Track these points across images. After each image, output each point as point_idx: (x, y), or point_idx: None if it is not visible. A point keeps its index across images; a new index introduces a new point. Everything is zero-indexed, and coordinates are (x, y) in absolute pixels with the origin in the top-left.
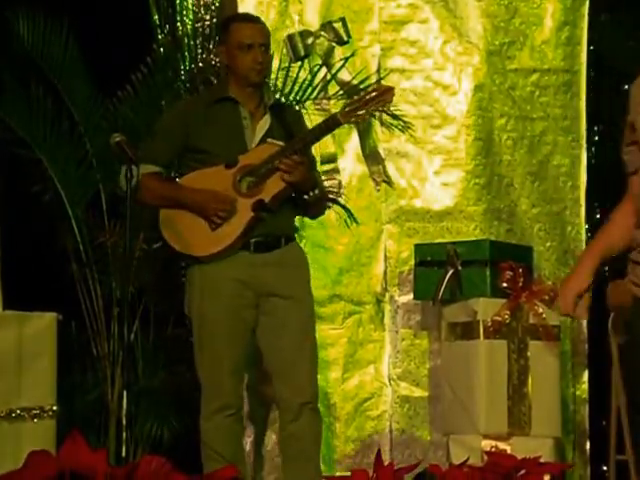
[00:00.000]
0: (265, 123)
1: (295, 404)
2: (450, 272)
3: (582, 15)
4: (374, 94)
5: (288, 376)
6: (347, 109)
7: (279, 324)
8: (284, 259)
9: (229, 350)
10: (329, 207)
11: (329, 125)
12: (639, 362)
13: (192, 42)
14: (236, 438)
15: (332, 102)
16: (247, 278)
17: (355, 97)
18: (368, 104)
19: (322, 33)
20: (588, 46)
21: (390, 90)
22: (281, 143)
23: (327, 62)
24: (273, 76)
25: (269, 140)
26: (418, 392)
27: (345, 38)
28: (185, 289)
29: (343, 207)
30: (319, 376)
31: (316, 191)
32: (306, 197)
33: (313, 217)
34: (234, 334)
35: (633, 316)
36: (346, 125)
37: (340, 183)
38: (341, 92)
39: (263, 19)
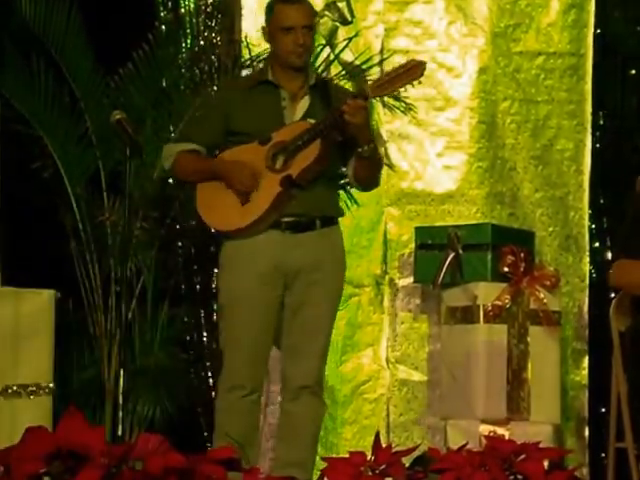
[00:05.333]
0: (305, 103)
1: (295, 386)
2: (451, 256)
3: None
4: (404, 69)
5: (295, 357)
6: (377, 83)
7: (298, 304)
8: (317, 242)
9: (248, 330)
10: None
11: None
12: None
13: (194, 20)
14: (248, 420)
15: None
16: (276, 257)
17: (385, 71)
18: (398, 79)
19: (326, 13)
20: (594, 29)
21: (421, 65)
22: (313, 121)
23: (331, 42)
24: None
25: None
26: (416, 376)
27: (349, 18)
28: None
29: (343, 189)
30: None
31: (371, 145)
32: (360, 150)
33: (365, 186)
34: (256, 314)
35: None
36: None
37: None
38: (343, 73)
39: None
